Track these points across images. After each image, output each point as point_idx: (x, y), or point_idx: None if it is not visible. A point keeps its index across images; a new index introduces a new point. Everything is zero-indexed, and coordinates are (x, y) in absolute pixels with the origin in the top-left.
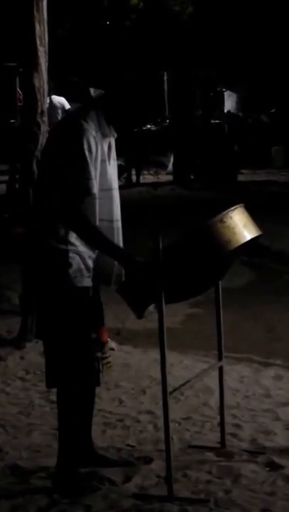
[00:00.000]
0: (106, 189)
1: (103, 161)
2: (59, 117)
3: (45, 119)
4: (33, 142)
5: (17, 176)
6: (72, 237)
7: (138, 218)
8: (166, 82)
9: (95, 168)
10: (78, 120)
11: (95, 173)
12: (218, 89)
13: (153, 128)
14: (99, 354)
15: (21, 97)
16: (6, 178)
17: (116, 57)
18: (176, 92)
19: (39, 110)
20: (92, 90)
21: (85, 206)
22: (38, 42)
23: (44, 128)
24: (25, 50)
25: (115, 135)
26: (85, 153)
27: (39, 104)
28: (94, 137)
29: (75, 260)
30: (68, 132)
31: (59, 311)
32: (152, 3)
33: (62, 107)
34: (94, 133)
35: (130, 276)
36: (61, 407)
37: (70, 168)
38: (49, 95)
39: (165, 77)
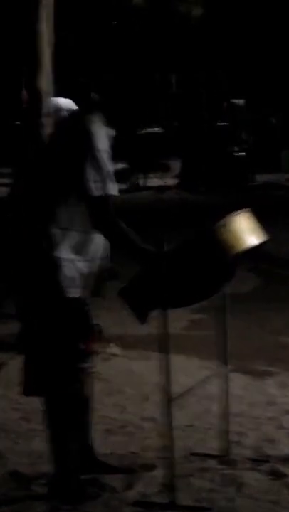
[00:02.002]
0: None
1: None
2: None
3: (50, 120)
4: (36, 144)
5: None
6: (66, 244)
7: (143, 222)
8: (174, 85)
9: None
10: (86, 117)
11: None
12: (231, 101)
13: (160, 131)
14: (85, 365)
15: (27, 98)
16: (10, 180)
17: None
18: (183, 95)
19: (44, 112)
20: (92, 94)
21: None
22: (43, 42)
23: (49, 130)
24: (31, 50)
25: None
26: (102, 158)
27: (44, 105)
28: (103, 133)
29: (67, 268)
30: (80, 130)
31: (47, 319)
32: (158, 4)
33: (68, 109)
34: (103, 130)
35: (134, 281)
36: (49, 416)
37: (92, 164)
38: (54, 97)
39: (173, 80)
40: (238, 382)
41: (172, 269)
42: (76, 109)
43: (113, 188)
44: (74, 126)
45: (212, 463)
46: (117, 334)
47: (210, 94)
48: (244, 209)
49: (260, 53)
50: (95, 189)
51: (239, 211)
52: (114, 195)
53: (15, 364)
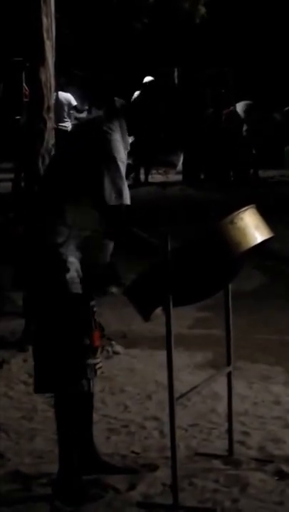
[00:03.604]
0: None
1: (122, 162)
2: (65, 114)
3: (52, 115)
4: (38, 139)
5: (22, 174)
6: (71, 243)
7: (146, 219)
8: (176, 79)
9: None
10: (105, 126)
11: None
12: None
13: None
14: (91, 361)
15: (27, 93)
16: (11, 176)
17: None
18: (186, 90)
19: (45, 106)
20: (116, 99)
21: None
22: (45, 35)
23: (50, 124)
24: (32, 43)
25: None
26: (120, 168)
27: (45, 99)
28: (123, 147)
29: (73, 266)
30: (97, 139)
31: (52, 315)
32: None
33: (69, 104)
34: (120, 139)
35: (138, 279)
36: (58, 414)
37: (108, 186)
38: (55, 91)
39: (175, 74)
40: (243, 381)
41: (178, 267)
42: (98, 115)
43: (127, 198)
44: (93, 134)
45: (216, 463)
46: (120, 332)
47: (214, 91)
48: (250, 205)
49: (264, 50)
50: (110, 198)
51: (245, 207)
52: (128, 205)
53: (16, 362)
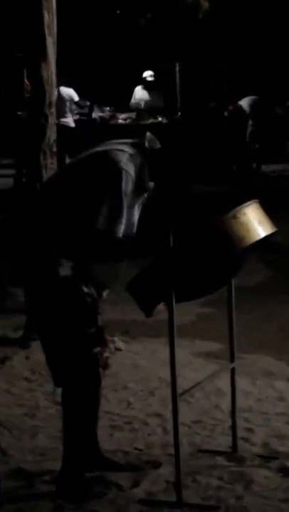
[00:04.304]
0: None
1: (131, 207)
2: (67, 109)
3: (53, 110)
4: (40, 135)
5: (24, 170)
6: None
7: (148, 212)
8: (177, 74)
9: (126, 209)
10: (122, 163)
11: (124, 216)
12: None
13: (164, 121)
14: (97, 349)
15: (29, 89)
16: (13, 172)
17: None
18: (188, 84)
19: (47, 102)
20: (148, 135)
21: None
22: (46, 31)
23: (52, 120)
24: (33, 39)
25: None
26: (122, 200)
27: (47, 95)
28: (132, 182)
29: (67, 264)
30: (110, 173)
31: (51, 305)
32: None
33: (71, 99)
34: (133, 176)
35: (140, 275)
36: (66, 408)
37: (104, 214)
38: (57, 87)
39: (177, 68)
40: (246, 377)
41: (181, 262)
42: (114, 147)
43: (119, 231)
44: (104, 163)
45: (220, 460)
46: (122, 328)
47: (216, 85)
48: (253, 200)
49: (266, 44)
50: (103, 223)
51: (248, 202)
52: (118, 237)
53: (19, 359)
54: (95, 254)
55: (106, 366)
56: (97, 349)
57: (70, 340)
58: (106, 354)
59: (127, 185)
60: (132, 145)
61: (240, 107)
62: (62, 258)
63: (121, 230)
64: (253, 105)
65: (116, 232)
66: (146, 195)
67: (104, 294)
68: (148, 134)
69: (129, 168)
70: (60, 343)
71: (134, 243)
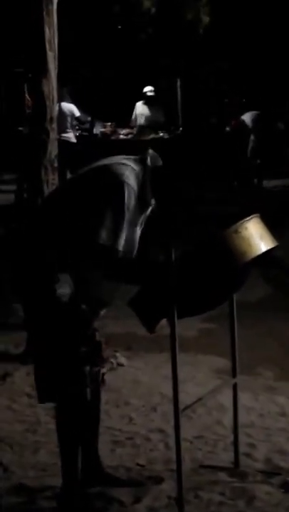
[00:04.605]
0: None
1: (133, 224)
2: (68, 125)
3: (55, 126)
4: (41, 150)
5: (25, 186)
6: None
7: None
8: (179, 89)
9: (127, 223)
10: (124, 177)
11: (125, 230)
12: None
13: (165, 136)
14: (90, 367)
15: (30, 104)
16: (14, 187)
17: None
18: (189, 100)
19: (48, 117)
20: (150, 152)
21: None
22: (47, 46)
23: (53, 135)
24: (34, 55)
25: (153, 206)
26: (124, 213)
27: (48, 110)
28: (135, 196)
29: (65, 280)
30: (112, 186)
31: (46, 321)
32: (165, 10)
33: (72, 115)
34: (136, 190)
35: (142, 289)
36: (59, 425)
37: (105, 227)
38: (58, 102)
39: (178, 84)
40: (248, 392)
41: (182, 277)
42: (117, 162)
43: (120, 245)
44: (106, 177)
45: (222, 475)
46: (124, 343)
47: (218, 100)
48: (254, 214)
49: (267, 58)
50: (103, 237)
51: (249, 217)
52: (120, 251)
53: (20, 375)
54: (95, 268)
55: (102, 382)
56: (89, 366)
57: (63, 357)
58: (103, 370)
59: (130, 199)
60: (135, 161)
61: (243, 121)
62: (61, 273)
63: (121, 244)
64: (255, 120)
65: (116, 246)
66: (148, 212)
67: (102, 311)
68: (150, 150)
69: (132, 182)
70: (52, 359)
71: (133, 265)
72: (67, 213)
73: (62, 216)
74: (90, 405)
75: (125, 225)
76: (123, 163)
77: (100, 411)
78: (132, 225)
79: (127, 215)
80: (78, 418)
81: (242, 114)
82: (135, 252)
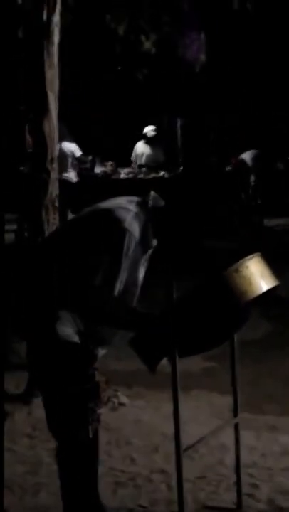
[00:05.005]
0: (128, 291)
1: (134, 267)
2: (69, 164)
3: (55, 166)
4: (42, 190)
5: (26, 225)
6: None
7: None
8: (179, 129)
9: (124, 269)
10: (126, 223)
11: (123, 275)
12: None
13: (166, 175)
14: (92, 405)
15: (30, 143)
16: (14, 226)
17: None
18: (189, 139)
19: (49, 157)
20: (151, 194)
21: None
22: (48, 87)
23: (54, 175)
24: (35, 95)
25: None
26: (122, 260)
27: (49, 150)
28: (135, 242)
29: (65, 318)
30: (112, 232)
31: (47, 360)
32: (164, 50)
33: (73, 155)
34: (137, 237)
35: (142, 329)
36: (61, 465)
37: (102, 270)
38: (59, 141)
39: (178, 124)
40: (250, 431)
41: (182, 317)
42: (116, 202)
43: (115, 289)
44: (107, 222)
45: None
46: (125, 383)
47: (217, 140)
48: (255, 253)
49: (265, 96)
50: (99, 280)
51: (250, 255)
52: (114, 297)
53: (20, 415)
54: (92, 311)
55: (98, 422)
56: (91, 404)
57: (64, 396)
58: (99, 411)
59: (129, 246)
60: (137, 203)
61: (243, 160)
62: (60, 312)
63: (117, 288)
64: (255, 158)
65: (111, 289)
66: (150, 252)
67: (103, 351)
68: (152, 192)
69: (134, 229)
70: (54, 398)
71: (128, 312)
72: (67, 254)
73: (62, 256)
74: (89, 445)
75: (122, 271)
76: (125, 208)
77: (97, 451)
78: (133, 267)
79: (125, 262)
80: (80, 456)
81: (241, 153)
82: (138, 291)
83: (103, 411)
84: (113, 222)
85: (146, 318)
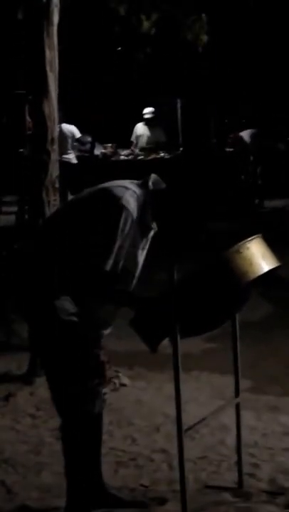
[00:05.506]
0: (128, 273)
1: (134, 247)
2: (69, 146)
3: (56, 147)
4: (42, 171)
5: (26, 207)
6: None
7: (151, 248)
8: (179, 109)
9: (121, 247)
10: (123, 200)
11: (119, 253)
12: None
13: (166, 156)
14: (96, 381)
15: (30, 125)
16: (15, 208)
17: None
18: (189, 120)
19: (49, 138)
20: (152, 177)
21: None
22: (48, 68)
23: (54, 157)
24: (35, 76)
25: (155, 229)
26: (116, 237)
27: (49, 131)
28: (132, 219)
29: (65, 300)
30: (109, 208)
31: (51, 342)
32: (165, 30)
33: (73, 136)
34: (134, 215)
35: (143, 310)
36: (66, 443)
37: (97, 247)
38: (59, 123)
39: (178, 104)
40: (251, 412)
41: (184, 297)
42: (118, 185)
43: (109, 265)
44: (105, 199)
45: (226, 496)
46: (127, 364)
47: (218, 121)
48: (256, 234)
49: (268, 77)
50: (108, 265)
51: (251, 237)
52: (106, 272)
53: (23, 395)
54: (90, 289)
55: (104, 402)
56: (96, 381)
57: (70, 375)
58: (104, 391)
59: (126, 223)
60: (137, 184)
61: (242, 138)
62: (62, 294)
63: (109, 264)
64: (253, 136)
65: (104, 265)
66: (150, 235)
67: (107, 330)
68: (153, 174)
69: (131, 206)
70: (60, 378)
71: (124, 292)
72: (67, 234)
73: (62, 237)
74: (94, 423)
75: (117, 248)
76: (124, 186)
77: (101, 430)
78: (131, 247)
79: (121, 239)
80: (84, 435)
81: (240, 131)
82: (137, 274)
83: (105, 391)
84: (110, 199)
85: (142, 301)
